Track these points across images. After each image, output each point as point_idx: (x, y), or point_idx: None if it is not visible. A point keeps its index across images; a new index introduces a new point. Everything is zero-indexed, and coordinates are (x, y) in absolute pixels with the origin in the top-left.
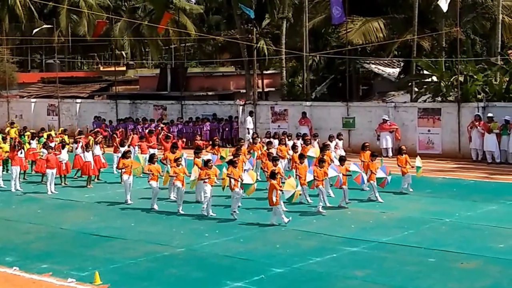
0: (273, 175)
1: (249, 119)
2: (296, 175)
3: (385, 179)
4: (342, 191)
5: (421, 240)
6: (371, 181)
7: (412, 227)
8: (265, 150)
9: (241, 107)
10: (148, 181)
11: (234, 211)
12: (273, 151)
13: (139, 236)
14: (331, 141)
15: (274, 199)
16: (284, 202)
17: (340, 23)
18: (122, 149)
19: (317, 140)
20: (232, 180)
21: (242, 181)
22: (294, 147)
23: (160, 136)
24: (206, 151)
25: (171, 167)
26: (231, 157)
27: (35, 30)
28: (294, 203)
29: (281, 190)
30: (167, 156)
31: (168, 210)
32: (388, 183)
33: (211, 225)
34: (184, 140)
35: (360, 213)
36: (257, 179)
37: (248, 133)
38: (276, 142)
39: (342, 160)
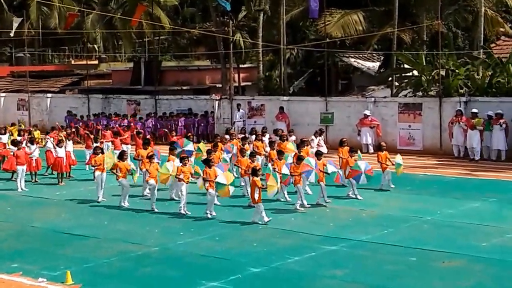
0: (255, 172)
1: (238, 114)
2: (273, 169)
3: (337, 173)
4: (320, 188)
5: (401, 238)
6: (350, 178)
7: (392, 225)
8: (240, 145)
9: (217, 102)
10: (117, 179)
11: (209, 211)
12: (248, 147)
13: (112, 234)
14: (316, 137)
15: (256, 196)
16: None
17: (316, 18)
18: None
19: (292, 136)
20: (206, 182)
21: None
22: (271, 143)
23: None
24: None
25: (143, 163)
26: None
27: (13, 30)
28: (271, 199)
29: (263, 188)
30: (139, 153)
31: (141, 208)
32: (371, 177)
33: (186, 223)
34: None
35: (339, 210)
36: (233, 182)
37: (238, 128)
38: (253, 138)
39: (318, 155)
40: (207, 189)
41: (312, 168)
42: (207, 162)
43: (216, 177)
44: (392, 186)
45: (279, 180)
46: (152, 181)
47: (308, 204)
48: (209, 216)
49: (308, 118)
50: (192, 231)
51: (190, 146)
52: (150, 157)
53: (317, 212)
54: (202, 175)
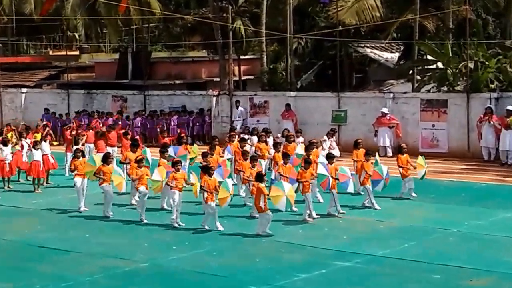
0: (260, 178)
1: (237, 112)
2: (279, 173)
3: (326, 178)
4: (331, 196)
5: (424, 253)
6: (366, 185)
7: (413, 238)
8: (239, 149)
9: (214, 98)
10: (100, 185)
11: (206, 224)
12: (248, 148)
13: (95, 249)
14: (328, 138)
15: (262, 204)
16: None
17: (327, 3)
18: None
19: (300, 137)
20: (205, 193)
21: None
22: (276, 145)
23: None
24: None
25: (131, 168)
26: (200, 157)
27: None
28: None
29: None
30: (126, 155)
31: (128, 219)
32: (386, 186)
33: (179, 236)
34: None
35: (353, 221)
36: (231, 194)
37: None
38: (254, 139)
39: (330, 158)
40: (206, 202)
41: (382, 178)
42: (207, 170)
43: (216, 188)
44: (414, 195)
45: (286, 188)
46: (142, 188)
47: (317, 214)
48: (206, 227)
49: (318, 117)
50: (186, 244)
51: (182, 151)
52: (139, 161)
53: (329, 223)
54: (199, 183)
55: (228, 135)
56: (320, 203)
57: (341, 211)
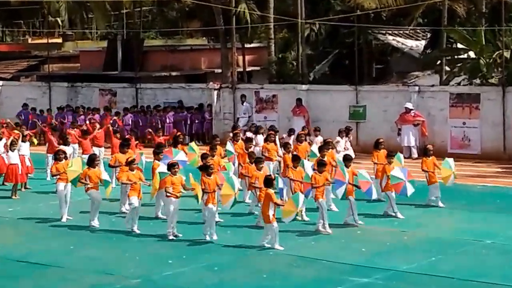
0: (269, 183)
1: (242, 108)
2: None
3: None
4: (349, 203)
5: (453, 268)
6: (388, 191)
7: (441, 251)
8: (244, 150)
9: (215, 92)
10: (86, 191)
11: (208, 233)
12: (255, 150)
13: (80, 263)
14: (341, 137)
15: (270, 213)
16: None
17: None
18: (67, 149)
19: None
20: (205, 195)
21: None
22: (286, 145)
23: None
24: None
25: (121, 171)
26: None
27: None
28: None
29: (279, 205)
30: (116, 158)
31: (118, 229)
32: (413, 188)
33: (176, 248)
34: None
35: (373, 232)
36: (235, 193)
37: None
38: (261, 139)
39: (347, 160)
40: (205, 204)
41: (345, 181)
42: (205, 169)
43: (217, 186)
44: (442, 205)
45: (300, 202)
46: (134, 199)
47: (332, 224)
48: (207, 238)
49: (333, 113)
50: (184, 258)
51: (182, 155)
52: (130, 163)
53: (345, 234)
54: (200, 186)
55: (232, 134)
56: (335, 212)
57: (359, 222)
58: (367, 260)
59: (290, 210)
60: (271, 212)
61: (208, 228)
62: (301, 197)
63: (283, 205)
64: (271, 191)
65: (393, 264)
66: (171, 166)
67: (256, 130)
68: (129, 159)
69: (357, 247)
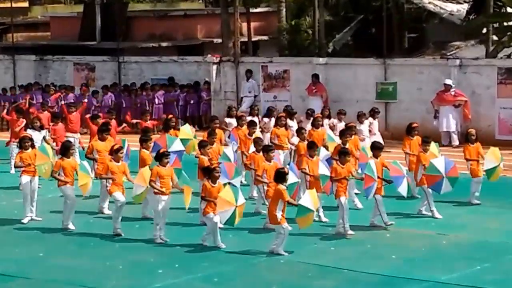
0: (281, 177)
1: (247, 85)
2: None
3: (328, 180)
4: (374, 202)
5: (504, 278)
6: (424, 185)
7: (488, 258)
8: (247, 137)
9: (214, 67)
10: (58, 186)
11: (205, 242)
12: (262, 136)
13: (51, 273)
14: (361, 122)
15: (279, 214)
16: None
17: None
18: (35, 135)
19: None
20: (204, 202)
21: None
22: (299, 131)
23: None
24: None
25: (99, 163)
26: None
27: None
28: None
29: (293, 204)
30: (93, 146)
31: (97, 232)
32: (451, 187)
33: (167, 255)
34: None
35: (405, 235)
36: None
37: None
38: (270, 122)
39: (376, 148)
40: (204, 214)
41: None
42: (209, 173)
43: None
44: (477, 201)
45: (312, 204)
46: (118, 194)
47: (355, 226)
48: (205, 244)
49: (357, 92)
50: (176, 267)
51: (178, 144)
52: (115, 152)
53: (372, 238)
54: (191, 189)
55: (226, 120)
56: (359, 210)
57: (389, 222)
58: (398, 269)
59: (308, 218)
60: (279, 213)
61: (209, 237)
62: (313, 196)
63: (296, 205)
64: (282, 187)
65: (429, 274)
66: (162, 156)
67: (267, 113)
68: (115, 147)
69: (386, 254)
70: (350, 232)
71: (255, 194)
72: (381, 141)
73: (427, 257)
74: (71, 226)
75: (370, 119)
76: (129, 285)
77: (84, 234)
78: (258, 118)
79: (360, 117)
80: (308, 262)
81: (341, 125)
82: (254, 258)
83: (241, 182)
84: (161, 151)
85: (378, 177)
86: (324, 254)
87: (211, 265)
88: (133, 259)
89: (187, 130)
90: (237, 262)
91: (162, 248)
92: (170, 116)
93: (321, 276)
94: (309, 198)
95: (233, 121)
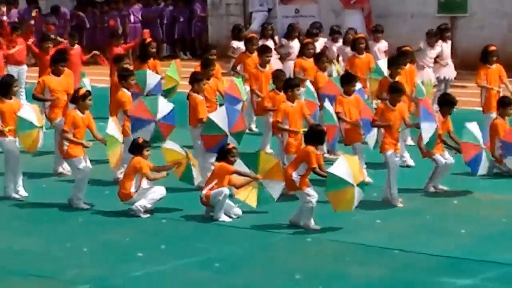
0: (316, 136)
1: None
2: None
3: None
4: (434, 162)
5: None
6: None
7: None
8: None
9: None
10: None
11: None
12: (286, 67)
13: None
14: (432, 46)
15: (296, 177)
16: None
17: None
18: None
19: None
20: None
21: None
22: (319, 58)
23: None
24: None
25: (53, 107)
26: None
27: None
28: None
29: (322, 175)
30: (45, 82)
31: (52, 201)
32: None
33: (148, 233)
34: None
35: (478, 202)
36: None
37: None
38: (296, 46)
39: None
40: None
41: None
42: (225, 156)
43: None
44: None
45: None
46: (79, 161)
47: (404, 190)
48: (225, 219)
49: (411, 3)
50: (162, 249)
51: (153, 77)
52: (82, 98)
53: (432, 206)
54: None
55: (243, 41)
56: (410, 167)
57: (445, 188)
58: (469, 249)
59: (345, 194)
60: (296, 175)
61: (220, 211)
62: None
63: (325, 176)
64: (312, 148)
65: (510, 254)
66: (141, 147)
67: (287, 33)
68: (82, 92)
69: (452, 228)
70: (399, 199)
71: (268, 149)
72: (453, 72)
73: (509, 232)
74: (16, 194)
75: (440, 41)
76: (97, 274)
77: (35, 204)
78: (274, 41)
79: (431, 37)
80: (344, 241)
81: (379, 46)
82: (269, 235)
83: (251, 129)
84: (140, 140)
85: (440, 139)
86: (367, 230)
87: (210, 246)
88: (103, 238)
89: (174, 69)
90: (248, 242)
91: (143, 223)
92: (150, 39)
93: (363, 260)
94: (345, 165)
95: (241, 45)
